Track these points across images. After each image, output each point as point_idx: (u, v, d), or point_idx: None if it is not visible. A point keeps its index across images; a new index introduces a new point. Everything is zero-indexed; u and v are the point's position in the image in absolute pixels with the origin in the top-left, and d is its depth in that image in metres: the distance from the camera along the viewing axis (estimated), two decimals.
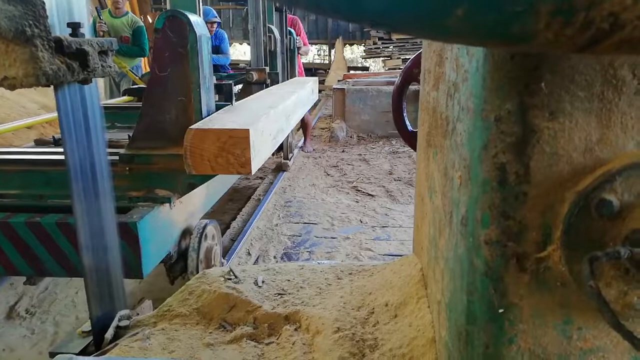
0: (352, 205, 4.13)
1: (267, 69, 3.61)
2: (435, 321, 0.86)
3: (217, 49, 5.79)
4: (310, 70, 13.51)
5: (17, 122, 3.53)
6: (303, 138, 6.32)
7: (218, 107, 2.16)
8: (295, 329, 1.00)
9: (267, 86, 3.50)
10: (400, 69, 10.96)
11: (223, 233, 3.57)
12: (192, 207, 2.40)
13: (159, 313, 1.10)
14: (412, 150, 5.72)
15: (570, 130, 0.50)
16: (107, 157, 1.05)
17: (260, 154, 1.67)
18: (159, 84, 1.92)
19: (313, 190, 4.53)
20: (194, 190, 2.05)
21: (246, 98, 2.35)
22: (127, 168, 1.88)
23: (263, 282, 1.20)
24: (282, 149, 5.00)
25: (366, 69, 15.63)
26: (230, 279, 1.17)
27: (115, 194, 1.13)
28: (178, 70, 1.90)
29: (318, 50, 16.90)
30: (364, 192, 4.44)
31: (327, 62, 15.89)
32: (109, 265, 1.10)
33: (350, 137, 6.64)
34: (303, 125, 6.07)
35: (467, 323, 0.62)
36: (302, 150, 6.10)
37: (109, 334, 1.03)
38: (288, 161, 5.18)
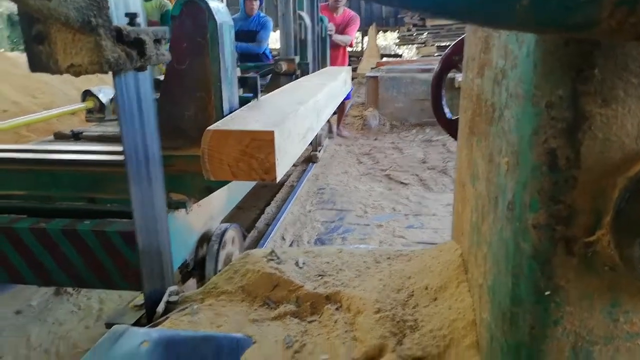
0: (385, 193, 4.13)
1: (297, 58, 3.36)
2: (476, 304, 0.88)
3: (253, 35, 5.36)
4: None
5: (48, 111, 3.50)
6: (336, 124, 6.11)
7: (242, 102, 2.00)
8: (337, 309, 1.04)
9: (296, 77, 3.26)
10: (434, 56, 10.77)
11: (257, 219, 3.65)
12: (211, 210, 2.18)
13: (205, 290, 1.15)
14: (446, 139, 5.68)
15: (622, 116, 0.51)
16: (158, 142, 1.11)
17: (286, 158, 1.47)
18: (176, 77, 1.75)
19: (345, 178, 4.55)
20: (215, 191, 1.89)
21: (273, 92, 2.07)
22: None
23: (304, 263, 1.24)
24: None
25: (399, 56, 15.43)
26: (272, 260, 1.22)
27: (125, 198, 1.10)
28: (197, 63, 1.73)
29: None
30: (397, 181, 4.43)
31: (360, 49, 15.75)
32: (160, 246, 1.16)
33: (383, 125, 6.61)
34: (340, 107, 5.89)
35: (512, 305, 0.64)
36: (340, 135, 6.05)
37: (160, 308, 1.09)
38: (317, 153, 5.02)
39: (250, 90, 2.07)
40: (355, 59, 14.43)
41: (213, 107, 1.76)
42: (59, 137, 2.73)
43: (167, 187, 1.56)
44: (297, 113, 1.67)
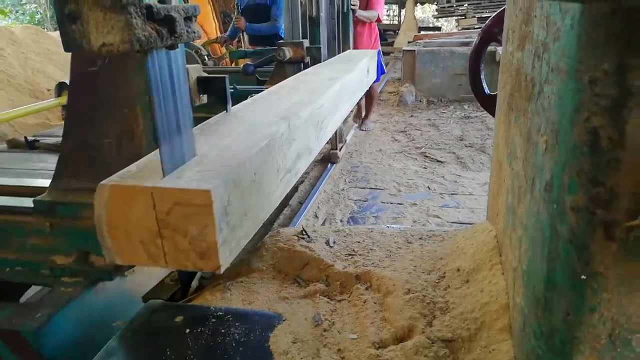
0: (420, 171, 4.07)
1: (306, 42, 2.62)
2: (509, 288, 0.85)
3: (265, 12, 4.53)
4: (379, 32, 13.13)
5: (18, 109, 3.14)
6: (364, 113, 5.31)
7: (240, 98, 1.52)
8: (366, 289, 1.03)
9: (305, 66, 2.56)
10: (475, 28, 10.39)
11: (290, 196, 3.67)
12: None
13: (237, 267, 1.17)
14: (485, 116, 5.50)
15: None
16: (191, 118, 1.10)
17: (250, 223, 0.86)
18: (86, 85, 1.13)
19: (380, 156, 4.50)
20: None
21: (255, 97, 1.37)
22: (48, 223, 1.15)
23: (334, 242, 1.24)
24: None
25: (438, 29, 14.96)
26: (303, 238, 1.22)
27: (33, 259, 0.92)
28: (114, 63, 1.10)
29: (387, 11, 16.35)
30: (432, 158, 4.35)
31: (397, 22, 15.36)
32: None
33: (420, 101, 6.47)
34: (367, 97, 5.12)
35: (547, 290, 0.61)
36: (361, 129, 5.22)
37: (194, 284, 1.12)
38: (337, 151, 4.16)
39: (217, 98, 1.25)
40: (391, 32, 14.10)
41: (141, 130, 1.10)
42: (13, 145, 2.31)
43: (87, 246, 1.12)
44: (278, 137, 1.00)
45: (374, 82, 4.68)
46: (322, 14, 2.86)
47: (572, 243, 0.56)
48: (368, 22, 4.86)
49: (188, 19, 0.96)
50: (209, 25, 6.99)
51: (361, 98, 4.11)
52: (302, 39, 2.65)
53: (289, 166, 1.07)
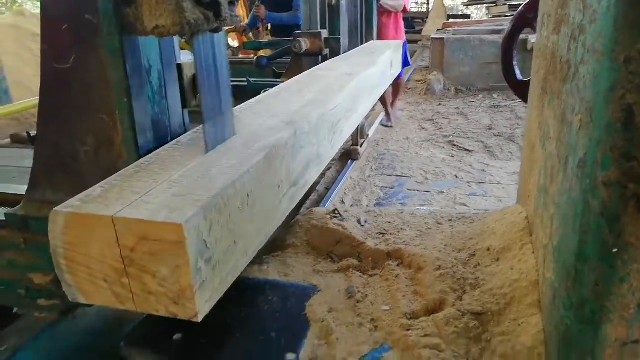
0: (447, 160, 4.06)
1: (325, 32, 2.41)
2: (540, 265, 0.88)
3: (289, 1, 4.33)
4: (407, 20, 12.98)
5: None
6: (387, 107, 5.01)
7: (253, 93, 1.45)
8: (398, 265, 1.07)
9: (324, 58, 2.38)
10: (506, 16, 10.16)
11: (317, 182, 3.72)
12: None
13: (273, 243, 1.23)
14: (515, 105, 5.42)
15: None
16: (231, 98, 1.14)
17: (235, 256, 0.72)
18: (59, 85, 0.96)
19: (407, 144, 4.50)
20: None
21: (259, 97, 1.25)
22: (22, 239, 1.02)
23: (365, 222, 1.28)
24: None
25: (467, 17, 14.68)
26: (335, 217, 1.27)
27: (9, 276, 0.86)
28: (89, 60, 0.90)
29: None
30: (460, 147, 4.33)
31: (425, 10, 15.14)
32: None
33: (448, 89, 6.40)
34: (392, 89, 4.84)
35: (578, 262, 0.64)
36: (382, 124, 4.98)
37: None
38: (358, 147, 3.88)
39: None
40: (419, 20, 13.92)
41: (121, 140, 0.92)
42: (16, 140, 2.24)
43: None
44: (281, 146, 0.87)
45: (399, 75, 4.36)
46: (343, 2, 2.58)
47: (604, 216, 0.58)
48: (394, 12, 4.60)
49: (231, 3, 1.01)
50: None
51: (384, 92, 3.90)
52: (321, 29, 2.45)
53: (294, 179, 0.94)
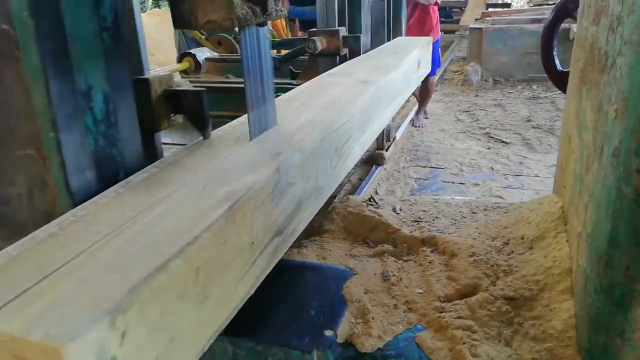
0: (483, 152, 4.01)
1: (343, 30, 2.12)
2: (573, 253, 0.90)
3: None
4: (445, 10, 12.73)
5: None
6: (417, 106, 4.74)
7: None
8: (432, 251, 1.11)
9: (342, 59, 2.11)
10: (548, 4, 9.83)
11: (351, 173, 3.74)
12: None
13: (310, 227, 1.28)
14: (556, 96, 5.28)
15: None
16: (273, 89, 1.19)
17: None
18: None
19: (442, 135, 4.47)
20: None
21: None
22: None
23: (400, 209, 1.32)
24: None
25: (508, 5, 14.25)
26: (371, 204, 1.31)
27: None
28: (8, 82, 0.68)
29: None
30: (497, 139, 4.27)
31: None
32: None
33: (486, 80, 6.29)
34: (422, 89, 4.52)
35: (610, 247, 0.66)
36: (414, 125, 4.65)
37: None
38: (384, 151, 3.48)
39: (192, 121, 0.89)
40: (457, 10, 13.62)
41: (53, 181, 0.74)
42: None
43: None
44: (254, 192, 0.67)
45: (429, 75, 3.97)
46: None
47: (637, 202, 0.60)
48: (426, 5, 4.23)
49: None
50: None
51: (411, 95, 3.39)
52: (339, 26, 2.16)
53: (278, 228, 0.74)
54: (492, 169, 3.66)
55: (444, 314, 0.89)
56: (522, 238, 1.07)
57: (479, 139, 4.33)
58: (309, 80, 1.40)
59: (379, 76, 1.43)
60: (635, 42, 0.61)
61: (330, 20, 2.17)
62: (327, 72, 1.55)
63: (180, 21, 0.96)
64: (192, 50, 3.27)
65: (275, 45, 3.32)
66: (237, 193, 0.64)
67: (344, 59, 2.09)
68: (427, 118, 4.82)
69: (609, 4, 0.77)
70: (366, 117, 1.23)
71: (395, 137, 3.78)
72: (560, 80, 1.56)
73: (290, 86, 2.08)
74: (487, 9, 11.36)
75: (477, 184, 3.42)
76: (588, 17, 0.96)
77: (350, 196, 1.38)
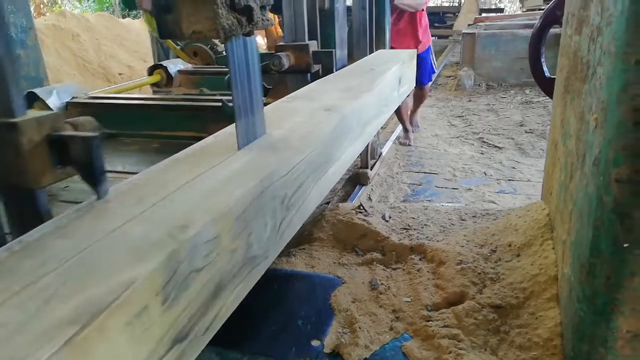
0: (477, 156, 4.03)
1: (314, 44, 1.89)
2: (559, 260, 0.90)
3: None
4: (438, 15, 12.81)
5: (116, 85, 3.02)
6: (406, 117, 4.19)
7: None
8: (420, 259, 1.11)
9: (315, 76, 1.87)
10: (541, 9, 9.92)
11: (329, 198, 3.72)
12: None
13: (300, 236, 1.28)
14: (547, 101, 5.31)
15: None
16: (262, 96, 1.19)
17: None
18: None
19: (435, 141, 4.48)
20: None
21: (166, 163, 0.81)
22: None
23: (390, 217, 1.32)
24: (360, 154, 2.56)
25: (501, 10, 14.38)
26: (360, 212, 1.31)
27: None
28: None
29: None
30: (490, 144, 4.28)
31: (457, 4, 14.90)
32: None
33: (479, 85, 6.32)
34: (415, 97, 4.23)
35: (591, 256, 0.66)
36: (401, 141, 4.20)
37: None
38: (368, 170, 3.13)
39: (81, 175, 0.66)
40: (451, 15, 13.71)
41: None
42: None
43: None
44: (129, 296, 0.45)
45: (424, 83, 3.97)
46: (339, 6, 1.99)
47: (616, 212, 0.61)
48: (412, 12, 3.80)
49: (263, 7, 1.07)
50: None
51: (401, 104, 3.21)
52: (311, 39, 1.92)
53: (178, 334, 0.53)
54: (485, 174, 3.67)
55: (430, 322, 0.89)
56: (510, 245, 1.07)
57: (472, 144, 4.35)
58: (266, 106, 1.14)
59: (348, 100, 1.21)
60: (612, 52, 0.62)
61: (300, 33, 1.89)
62: (290, 96, 1.32)
63: (166, 32, 0.96)
64: (164, 63, 3.00)
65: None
66: (95, 304, 0.42)
67: (317, 76, 1.86)
68: (409, 142, 4.22)
69: (590, 14, 0.78)
70: (328, 153, 1.01)
71: (381, 154, 3.41)
72: (548, 87, 1.57)
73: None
74: (480, 14, 11.45)
75: (470, 189, 3.43)
76: (571, 25, 0.97)
77: (340, 204, 1.38)
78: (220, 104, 1.80)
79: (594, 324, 0.67)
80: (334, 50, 1.93)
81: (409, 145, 4.15)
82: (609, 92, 0.62)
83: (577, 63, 0.87)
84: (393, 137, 4.33)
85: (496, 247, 1.08)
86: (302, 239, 1.28)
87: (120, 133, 1.90)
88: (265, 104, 1.11)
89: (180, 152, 0.88)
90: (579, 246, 0.73)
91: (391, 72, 1.63)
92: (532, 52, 1.66)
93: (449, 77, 7.23)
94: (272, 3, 1.09)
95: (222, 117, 1.50)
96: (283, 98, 1.31)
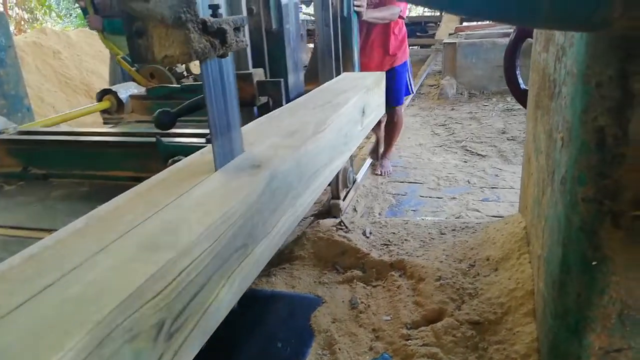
0: (460, 165, 4.06)
1: (259, 73, 1.60)
2: (535, 275, 0.91)
3: None
4: (420, 24, 12.95)
5: (62, 114, 2.86)
6: (382, 148, 3.68)
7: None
8: (400, 275, 1.11)
9: (262, 109, 1.58)
10: None
11: (328, 191, 3.69)
12: None
13: (280, 255, 1.27)
14: None
15: None
16: (239, 118, 1.18)
17: None
18: None
19: (419, 150, 4.51)
20: None
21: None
22: None
23: (370, 233, 1.32)
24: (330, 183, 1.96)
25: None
26: (341, 229, 1.31)
27: None
28: None
29: None
30: (473, 152, 4.32)
31: (439, 14, 15.10)
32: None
33: (461, 94, 6.39)
34: (388, 126, 3.85)
35: (561, 273, 0.67)
36: (375, 171, 3.57)
37: None
38: (340, 201, 2.37)
39: None
40: (432, 24, 13.88)
41: None
42: None
43: None
44: None
45: (397, 105, 3.41)
46: (289, 26, 1.71)
47: (583, 230, 0.61)
48: (387, 23, 3.23)
49: (237, 29, 1.07)
50: None
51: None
52: (257, 67, 1.64)
53: None
54: (469, 182, 3.70)
55: (410, 341, 0.89)
56: (488, 259, 1.08)
57: (456, 152, 4.38)
58: (170, 168, 0.90)
59: (288, 151, 0.94)
60: (574, 74, 0.63)
61: (242, 60, 1.58)
62: (196, 154, 1.02)
63: (138, 56, 0.96)
64: (114, 87, 2.63)
65: (175, 93, 2.43)
66: None
67: (266, 109, 1.56)
68: (382, 174, 3.60)
69: (556, 33, 0.80)
70: (247, 234, 0.73)
71: (355, 180, 2.86)
72: (524, 98, 1.60)
73: (200, 146, 1.23)
74: (461, 23, 11.60)
75: (454, 198, 3.45)
76: (540, 42, 0.99)
77: (321, 220, 1.38)
78: (154, 139, 1.43)
79: (567, 341, 0.68)
80: (282, 79, 1.59)
81: (385, 174, 3.58)
82: (573, 112, 0.63)
83: (545, 80, 0.89)
84: (367, 164, 3.74)
85: (475, 262, 1.09)
86: (283, 257, 1.27)
87: (50, 174, 1.61)
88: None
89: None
90: (551, 263, 0.73)
91: (352, 103, 1.36)
92: (507, 64, 1.68)
93: (432, 86, 7.30)
94: (246, 24, 1.09)
95: (157, 154, 1.33)
96: (202, 150, 1.00)
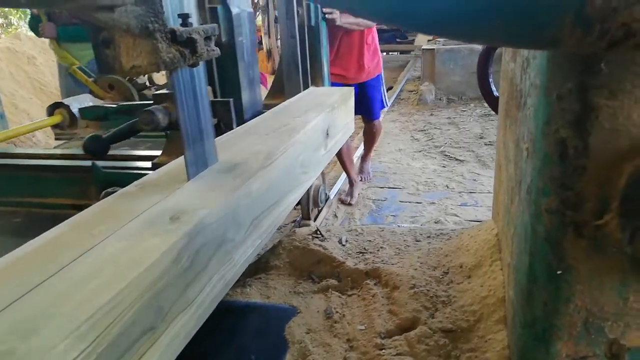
0: (439, 170, 4.10)
1: (209, 92, 1.40)
2: (505, 282, 0.92)
3: None
4: (400, 30, 13.07)
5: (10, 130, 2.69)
6: (349, 167, 3.41)
7: None
8: (375, 284, 1.11)
9: (216, 130, 1.23)
10: None
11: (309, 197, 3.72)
12: None
13: (256, 264, 1.26)
14: None
15: (629, 107, 0.53)
16: (211, 122, 1.15)
17: None
18: None
19: (399, 155, 4.55)
20: None
21: None
22: None
23: (347, 241, 1.32)
24: (300, 202, 1.92)
25: None
26: (317, 237, 1.30)
27: None
28: None
29: None
30: (452, 157, 4.38)
31: None
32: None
33: (440, 99, 6.47)
34: (367, 137, 3.63)
35: (529, 282, 0.68)
36: (343, 201, 3.41)
37: None
38: (311, 221, 2.11)
39: None
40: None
41: None
42: None
43: None
44: None
45: (375, 119, 3.35)
46: (242, 38, 1.48)
47: (547, 240, 0.62)
48: (361, 30, 3.08)
49: (208, 38, 1.06)
50: None
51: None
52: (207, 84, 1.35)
53: None
54: (448, 187, 3.74)
55: (383, 351, 0.89)
56: (461, 266, 1.09)
57: (435, 158, 4.43)
58: (92, 207, 0.73)
59: (223, 194, 0.79)
60: (537, 85, 0.64)
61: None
62: (136, 183, 0.86)
63: (105, 67, 0.94)
64: (66, 100, 2.30)
65: (110, 113, 2.04)
66: None
67: (219, 131, 1.33)
68: (350, 200, 3.42)
69: None
70: (159, 306, 0.58)
71: (328, 198, 2.58)
72: (497, 105, 1.62)
73: (142, 174, 1.04)
74: None
75: (433, 203, 3.49)
76: (508, 52, 1.01)
77: (297, 229, 1.38)
78: (90, 163, 1.29)
79: (536, 349, 0.68)
80: (232, 99, 1.39)
81: (349, 204, 3.35)
82: (536, 124, 0.64)
83: (513, 89, 0.90)
84: (342, 178, 3.76)
85: (448, 269, 1.10)
86: (259, 266, 1.26)
87: None
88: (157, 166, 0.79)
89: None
90: (519, 271, 0.74)
91: (313, 125, 1.20)
92: (480, 73, 1.70)
93: (411, 91, 7.38)
94: (217, 33, 1.08)
95: (94, 180, 1.20)
96: (122, 191, 0.82)
